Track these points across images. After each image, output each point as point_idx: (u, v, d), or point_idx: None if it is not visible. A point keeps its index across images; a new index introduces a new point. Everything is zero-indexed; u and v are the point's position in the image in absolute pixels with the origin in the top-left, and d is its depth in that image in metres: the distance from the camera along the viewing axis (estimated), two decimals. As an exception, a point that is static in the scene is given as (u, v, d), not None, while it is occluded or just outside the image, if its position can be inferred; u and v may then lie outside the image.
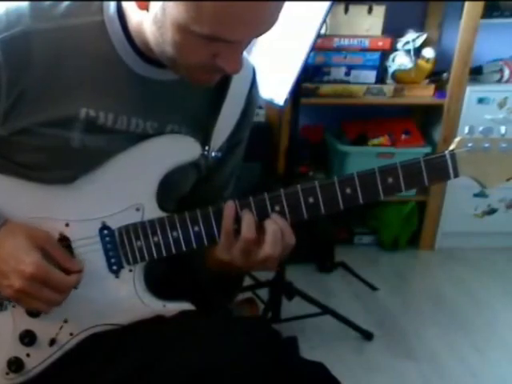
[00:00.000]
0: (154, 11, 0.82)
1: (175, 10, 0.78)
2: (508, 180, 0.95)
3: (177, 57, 0.85)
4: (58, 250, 0.95)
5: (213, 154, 1.04)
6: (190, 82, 0.92)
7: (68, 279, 0.93)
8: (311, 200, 0.94)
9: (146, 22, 0.86)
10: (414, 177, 0.93)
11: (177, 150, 0.98)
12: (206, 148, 1.02)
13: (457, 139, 0.93)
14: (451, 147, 0.94)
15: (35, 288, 0.89)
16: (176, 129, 1.00)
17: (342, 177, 0.94)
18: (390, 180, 0.93)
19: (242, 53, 0.87)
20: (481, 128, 0.93)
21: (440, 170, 0.93)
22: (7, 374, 0.99)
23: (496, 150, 0.93)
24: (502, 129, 0.92)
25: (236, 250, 0.94)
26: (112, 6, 0.92)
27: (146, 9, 0.84)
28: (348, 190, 0.93)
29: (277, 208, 0.94)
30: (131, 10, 0.91)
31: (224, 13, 0.76)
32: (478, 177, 0.95)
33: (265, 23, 0.82)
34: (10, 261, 0.89)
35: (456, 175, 0.94)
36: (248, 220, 0.93)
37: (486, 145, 0.93)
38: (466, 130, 0.93)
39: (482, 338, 2.27)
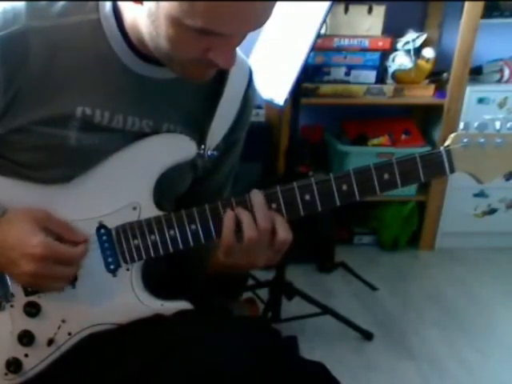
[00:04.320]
0: (148, 5, 0.82)
1: (168, 4, 0.79)
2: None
3: (170, 51, 0.85)
4: (60, 226, 0.95)
5: (209, 152, 1.04)
6: (184, 78, 0.92)
7: (76, 250, 0.93)
8: (307, 197, 0.94)
9: (141, 17, 0.86)
10: (410, 173, 0.93)
11: (173, 148, 0.98)
12: (202, 147, 1.03)
13: (452, 135, 0.94)
14: (446, 143, 0.94)
15: (48, 268, 0.89)
16: (172, 127, 1.00)
17: (338, 173, 0.94)
18: (386, 176, 0.93)
19: (234, 48, 0.87)
20: (476, 124, 0.93)
21: (436, 165, 0.93)
22: (6, 374, 0.98)
23: (491, 146, 0.93)
24: (497, 124, 0.93)
25: (239, 252, 0.94)
26: (108, 4, 0.93)
27: (141, 2, 0.84)
28: (344, 187, 0.93)
29: (273, 205, 0.94)
30: (126, 8, 0.91)
31: (216, 6, 0.76)
32: (473, 172, 0.95)
33: (256, 18, 0.82)
34: (16, 247, 0.89)
35: (452, 171, 0.94)
36: (247, 220, 0.93)
37: (482, 140, 0.93)
38: (461, 125, 0.93)
39: (482, 338, 2.27)
